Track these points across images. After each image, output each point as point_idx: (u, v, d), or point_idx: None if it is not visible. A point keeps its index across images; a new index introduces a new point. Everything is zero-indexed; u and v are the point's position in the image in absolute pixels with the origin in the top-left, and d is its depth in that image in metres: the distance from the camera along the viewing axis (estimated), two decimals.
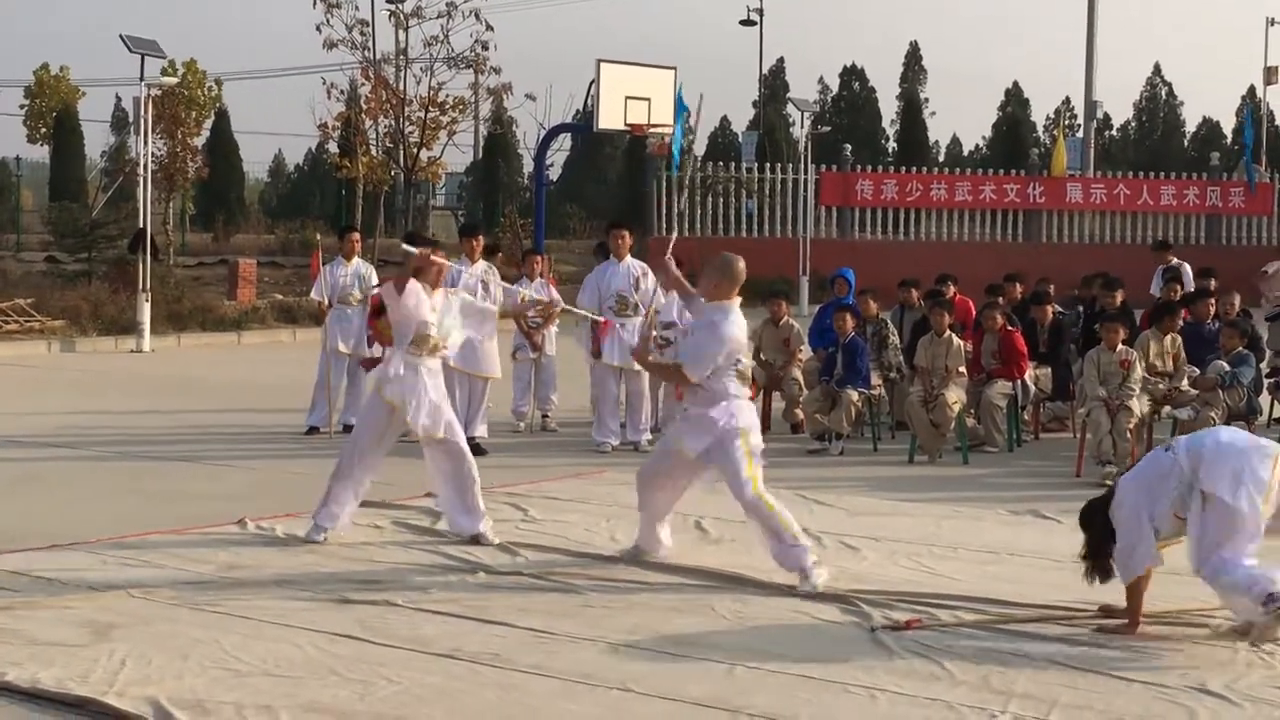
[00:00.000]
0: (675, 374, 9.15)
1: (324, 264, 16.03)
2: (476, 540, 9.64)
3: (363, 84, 37.95)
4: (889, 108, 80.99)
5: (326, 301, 15.60)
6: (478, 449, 13.98)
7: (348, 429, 15.25)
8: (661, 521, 9.40)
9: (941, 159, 78.11)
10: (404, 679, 6.78)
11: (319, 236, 19.78)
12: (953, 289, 16.64)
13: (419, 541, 9.84)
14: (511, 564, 9.20)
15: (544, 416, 15.89)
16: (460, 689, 6.68)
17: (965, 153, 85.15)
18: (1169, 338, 13.87)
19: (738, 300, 8.95)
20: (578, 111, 34.79)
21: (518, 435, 15.49)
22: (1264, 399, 14.57)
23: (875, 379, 15.05)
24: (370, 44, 36.82)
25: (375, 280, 15.71)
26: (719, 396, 8.74)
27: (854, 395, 14.32)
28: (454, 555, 9.42)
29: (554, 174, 54.25)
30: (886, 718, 6.39)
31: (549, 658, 7.16)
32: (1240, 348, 13.48)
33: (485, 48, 36.39)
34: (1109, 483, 11.93)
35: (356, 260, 15.95)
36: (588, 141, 56.18)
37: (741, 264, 8.96)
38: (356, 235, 16.46)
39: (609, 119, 25.07)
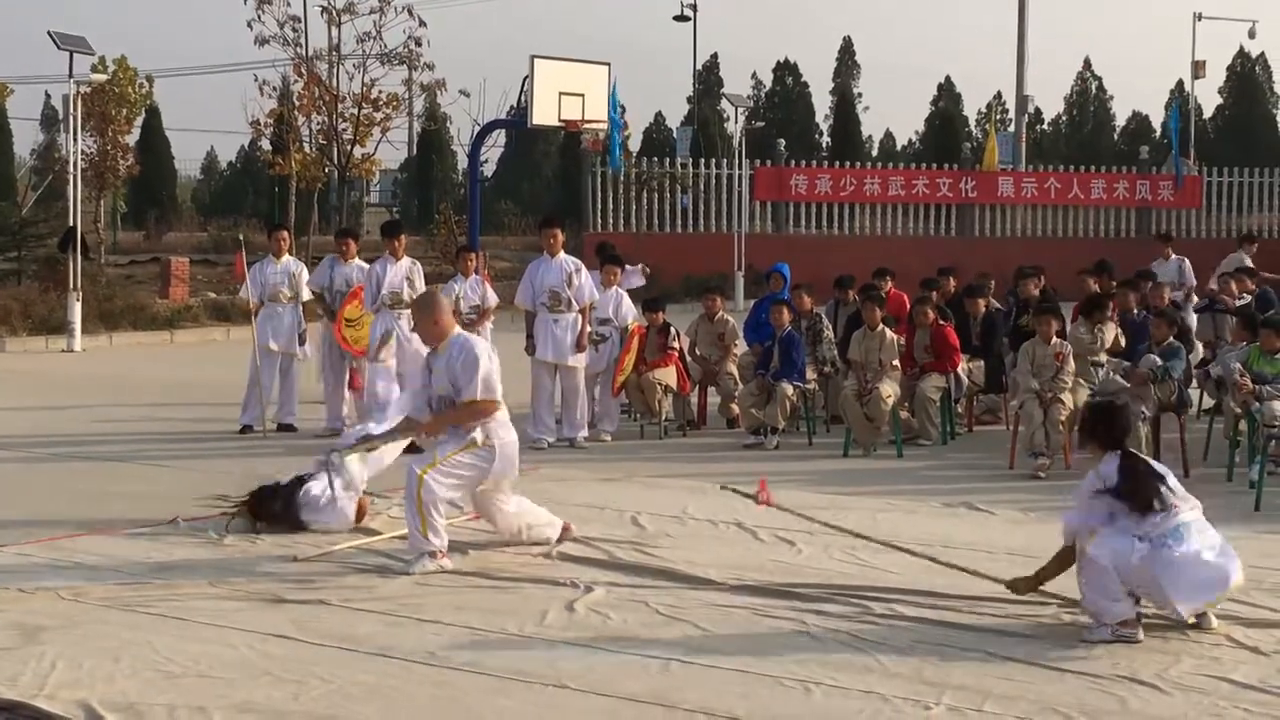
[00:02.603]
0: None
1: (253, 263, 15.92)
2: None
3: (295, 81, 37.74)
4: (823, 103, 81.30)
5: (257, 300, 15.50)
6: (413, 448, 13.98)
7: (282, 428, 15.20)
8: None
9: (875, 154, 78.55)
10: (337, 678, 6.75)
11: (241, 237, 19.61)
12: (889, 283, 16.72)
13: (353, 540, 9.78)
14: (457, 560, 9.15)
15: None
16: (394, 687, 6.66)
17: (899, 147, 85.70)
18: (1105, 327, 13.97)
19: None
20: (512, 107, 34.65)
21: None
22: (1193, 391, 14.67)
23: (810, 373, 15.09)
24: (303, 40, 36.61)
25: (307, 277, 15.64)
26: None
27: (789, 389, 14.36)
28: (388, 553, 9.38)
29: (489, 170, 54.23)
30: (821, 710, 6.41)
31: (484, 655, 7.13)
32: (1170, 338, 13.59)
33: (418, 44, 36.31)
34: (1041, 475, 12.08)
35: (286, 258, 15.84)
36: (522, 138, 55.95)
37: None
38: (284, 233, 16.33)
39: (543, 115, 24.93)
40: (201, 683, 6.69)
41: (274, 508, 10.08)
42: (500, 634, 7.53)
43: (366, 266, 15.19)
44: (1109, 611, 7.41)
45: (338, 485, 9.98)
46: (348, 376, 15.15)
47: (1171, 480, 7.77)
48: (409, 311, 14.35)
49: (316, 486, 10.12)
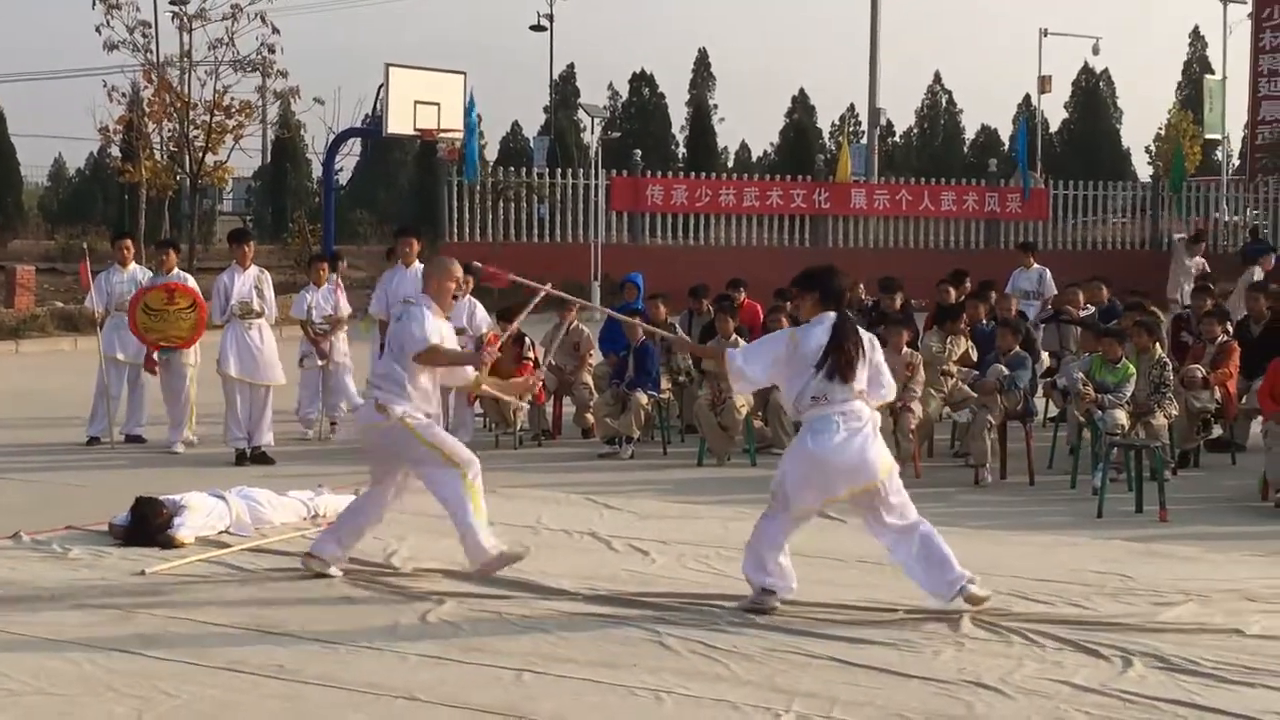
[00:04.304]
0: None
1: (98, 271, 15.64)
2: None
3: (145, 87, 37.11)
4: (679, 114, 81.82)
5: (103, 310, 15.24)
6: (264, 458, 13.85)
7: (130, 439, 14.95)
8: None
9: (731, 165, 79.10)
10: (183, 693, 6.65)
11: (86, 245, 19.24)
12: (743, 294, 16.85)
13: (198, 553, 9.64)
14: (299, 573, 9.07)
15: (333, 424, 15.72)
16: (242, 701, 6.58)
17: (754, 159, 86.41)
18: (957, 339, 14.20)
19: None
20: (367, 116, 34.38)
21: (306, 443, 15.29)
22: (1039, 400, 14.96)
23: (665, 383, 15.17)
24: (153, 46, 36.02)
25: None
26: None
27: (643, 399, 14.42)
28: (237, 565, 9.28)
29: (344, 179, 53.70)
30: (673, 719, 6.44)
31: (335, 668, 7.08)
32: (1017, 348, 13.85)
33: (272, 51, 35.84)
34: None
35: (133, 266, 15.61)
36: (378, 146, 55.58)
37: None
38: (128, 242, 16.04)
39: (398, 124, 24.89)
40: (42, 700, 6.56)
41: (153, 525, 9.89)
42: (351, 646, 7.47)
43: (148, 272, 15.17)
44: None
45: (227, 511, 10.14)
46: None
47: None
48: (259, 321, 14.21)
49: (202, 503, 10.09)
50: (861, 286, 17.62)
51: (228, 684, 6.81)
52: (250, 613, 8.10)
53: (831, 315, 8.20)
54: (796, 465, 8.18)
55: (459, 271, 9.31)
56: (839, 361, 8.02)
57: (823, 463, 8.02)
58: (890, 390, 8.45)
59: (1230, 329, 14.75)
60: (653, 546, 9.92)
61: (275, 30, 35.44)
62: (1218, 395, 13.71)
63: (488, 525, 8.89)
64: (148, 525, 9.84)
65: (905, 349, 13.56)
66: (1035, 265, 20.87)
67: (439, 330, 8.96)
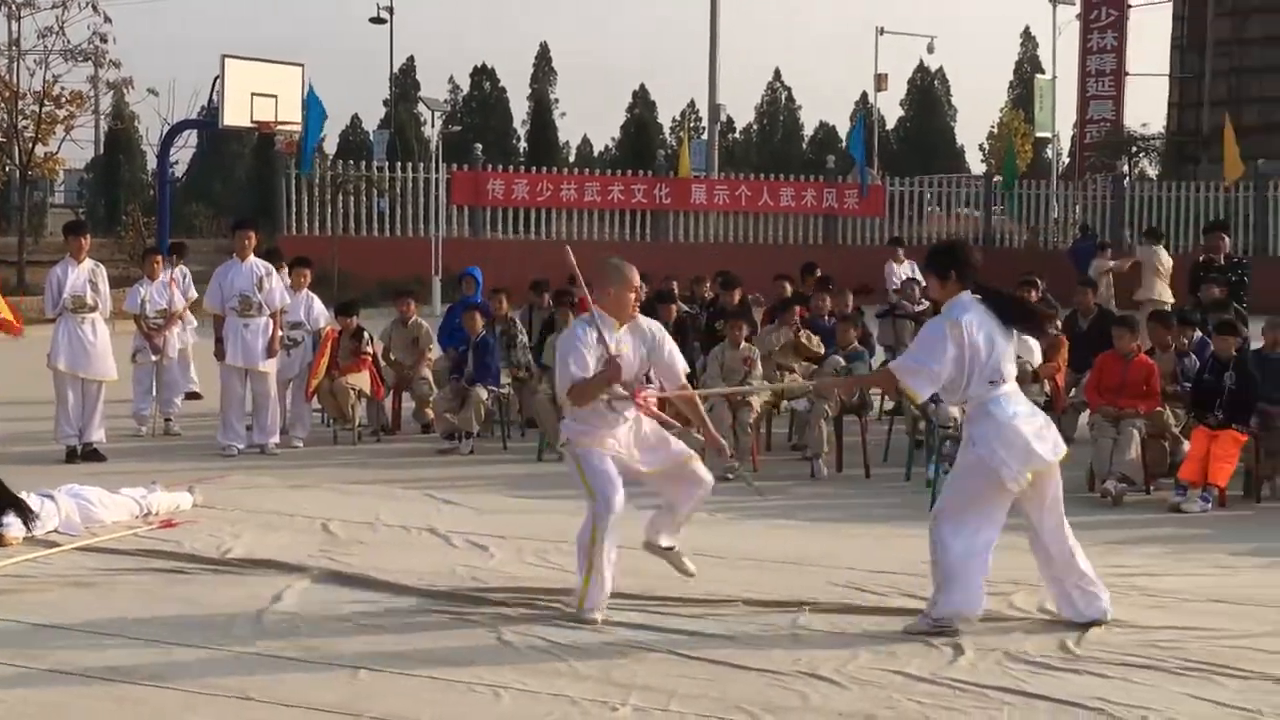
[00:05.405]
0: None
1: None
2: None
3: None
4: (520, 108, 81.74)
5: None
6: (95, 454, 13.58)
7: None
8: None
9: (573, 159, 79.17)
10: (10, 697, 6.52)
11: None
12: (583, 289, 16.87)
13: (26, 552, 9.44)
14: (131, 571, 8.91)
15: (167, 420, 15.47)
16: (72, 704, 6.46)
17: (596, 153, 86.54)
18: (800, 332, 14.34)
19: None
20: (203, 107, 33.93)
21: (139, 439, 15.03)
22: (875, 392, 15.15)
23: (505, 377, 15.14)
24: None
25: None
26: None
27: (483, 394, 14.38)
28: (67, 565, 9.10)
29: (179, 171, 52.74)
30: (510, 715, 6.45)
31: (168, 669, 6.98)
32: (855, 343, 14.05)
33: (104, 40, 35.22)
34: (730, 476, 12.33)
35: None
36: (215, 139, 54.83)
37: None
38: None
39: (235, 116, 24.60)
40: None
41: None
42: (186, 646, 7.37)
43: None
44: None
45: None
46: None
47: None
48: (93, 316, 13.89)
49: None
50: (708, 283, 17.73)
51: (57, 686, 6.69)
52: (80, 613, 7.95)
53: (968, 294, 7.82)
54: (996, 439, 7.64)
55: (636, 279, 8.37)
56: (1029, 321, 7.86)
57: (1023, 428, 7.65)
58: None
59: (1059, 324, 15.08)
60: (491, 542, 9.91)
61: (107, 19, 34.93)
62: (1047, 389, 14.00)
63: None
64: None
65: (743, 344, 13.67)
66: (906, 261, 21.17)
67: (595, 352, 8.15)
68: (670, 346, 8.34)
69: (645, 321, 8.40)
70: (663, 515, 8.53)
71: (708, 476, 8.37)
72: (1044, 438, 7.72)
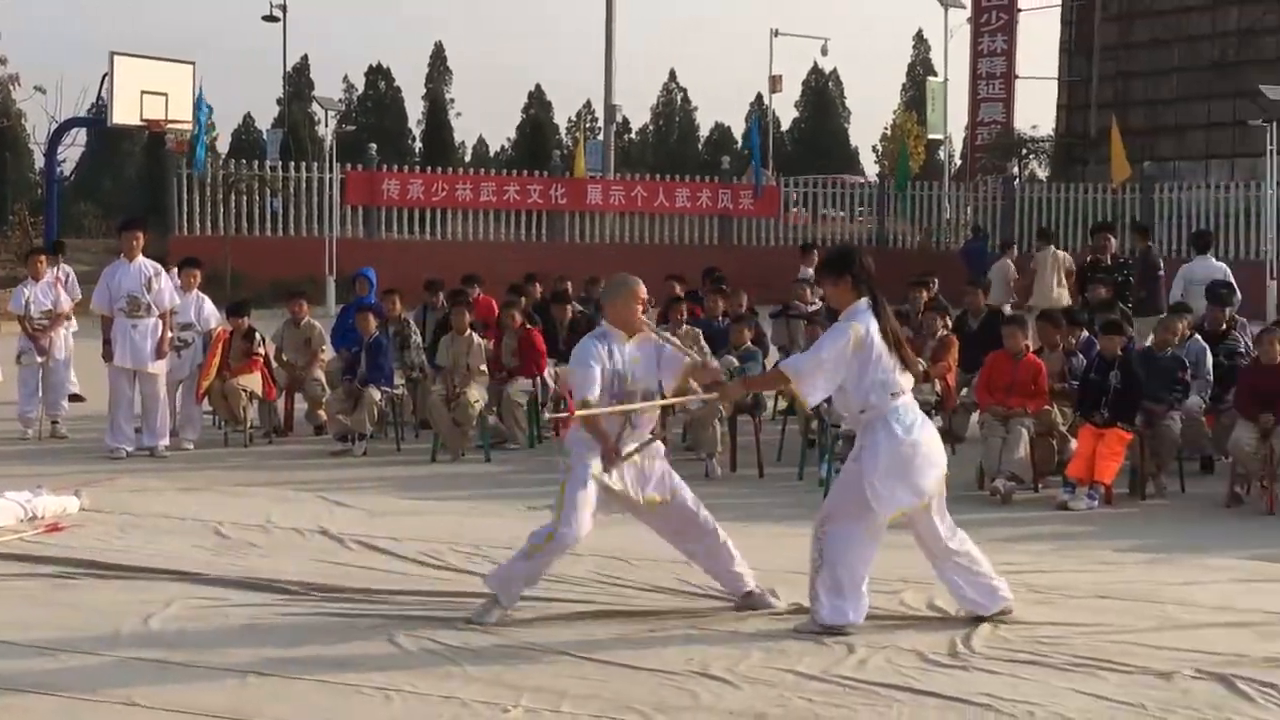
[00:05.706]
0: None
1: None
2: None
3: None
4: (415, 107, 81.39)
5: None
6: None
7: None
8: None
9: (468, 159, 78.94)
10: None
11: None
12: (478, 289, 16.85)
13: None
14: (20, 577, 8.77)
15: (54, 422, 15.24)
16: None
17: (492, 153, 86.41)
18: (684, 329, 14.38)
19: None
20: (92, 105, 33.50)
21: (25, 442, 14.80)
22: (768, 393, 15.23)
23: (398, 378, 15.07)
24: None
25: None
26: None
27: (377, 395, 14.30)
28: None
29: (68, 169, 51.93)
30: (400, 718, 6.42)
31: (52, 675, 6.88)
32: (749, 343, 14.12)
33: None
34: None
35: None
36: (105, 137, 54.06)
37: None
38: None
39: (124, 114, 24.36)
40: None
41: None
42: (70, 652, 7.26)
43: None
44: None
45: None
46: None
47: None
48: None
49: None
50: (602, 283, 17.74)
51: None
52: None
53: (865, 301, 7.78)
54: (887, 459, 7.64)
55: (641, 291, 8.31)
56: (903, 352, 7.75)
57: (914, 452, 7.65)
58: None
59: (949, 323, 15.22)
60: (385, 544, 9.85)
61: None
62: (938, 388, 14.13)
63: None
64: None
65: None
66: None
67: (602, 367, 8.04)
68: (669, 347, 8.30)
69: (656, 333, 8.39)
70: (709, 567, 8.41)
71: (715, 526, 8.31)
72: (932, 463, 7.77)
